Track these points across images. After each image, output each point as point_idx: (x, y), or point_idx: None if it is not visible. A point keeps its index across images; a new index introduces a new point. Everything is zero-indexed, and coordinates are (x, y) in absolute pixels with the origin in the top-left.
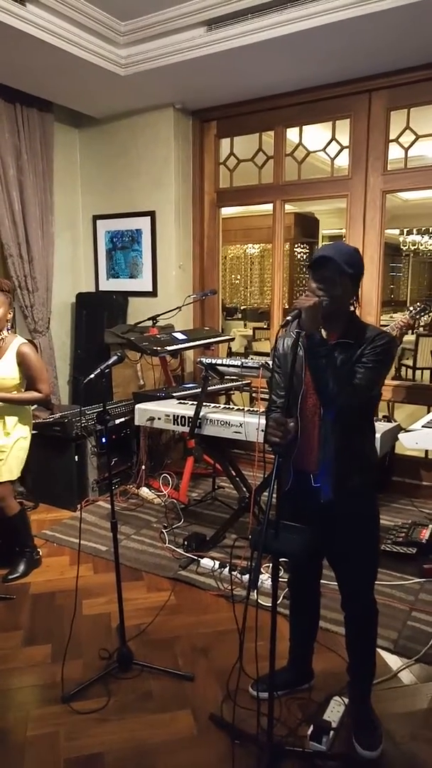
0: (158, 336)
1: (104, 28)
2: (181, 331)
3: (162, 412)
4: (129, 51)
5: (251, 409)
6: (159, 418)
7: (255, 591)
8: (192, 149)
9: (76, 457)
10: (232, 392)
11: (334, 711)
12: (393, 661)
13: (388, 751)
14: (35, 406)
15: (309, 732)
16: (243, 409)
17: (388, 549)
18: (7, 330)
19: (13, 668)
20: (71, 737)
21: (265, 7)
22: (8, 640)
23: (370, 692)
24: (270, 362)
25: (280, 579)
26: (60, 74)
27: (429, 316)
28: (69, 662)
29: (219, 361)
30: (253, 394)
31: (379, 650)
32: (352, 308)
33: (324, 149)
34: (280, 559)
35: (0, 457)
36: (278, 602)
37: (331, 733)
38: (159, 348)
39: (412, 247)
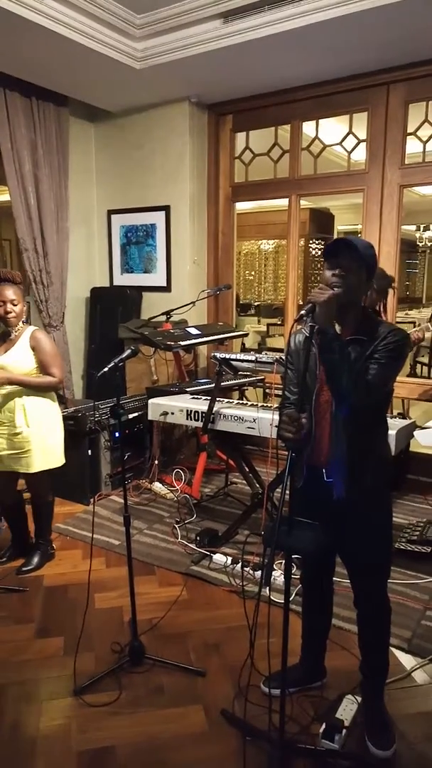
0: (172, 331)
1: (120, 21)
2: (194, 327)
3: (175, 407)
4: (145, 44)
5: (265, 404)
6: (172, 413)
7: (267, 587)
8: (207, 143)
9: (90, 452)
10: (245, 388)
11: (347, 709)
12: (406, 660)
13: (401, 751)
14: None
15: (321, 730)
16: (257, 405)
17: (402, 547)
18: (23, 323)
19: (25, 660)
20: (83, 730)
21: None
22: (21, 632)
23: (383, 691)
24: (284, 358)
25: (292, 576)
26: (76, 68)
27: None
28: (81, 655)
29: (233, 357)
30: (267, 390)
31: (392, 649)
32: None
33: (340, 143)
34: (293, 556)
35: (25, 447)
36: (291, 599)
37: (344, 731)
38: (173, 343)
39: (429, 243)
